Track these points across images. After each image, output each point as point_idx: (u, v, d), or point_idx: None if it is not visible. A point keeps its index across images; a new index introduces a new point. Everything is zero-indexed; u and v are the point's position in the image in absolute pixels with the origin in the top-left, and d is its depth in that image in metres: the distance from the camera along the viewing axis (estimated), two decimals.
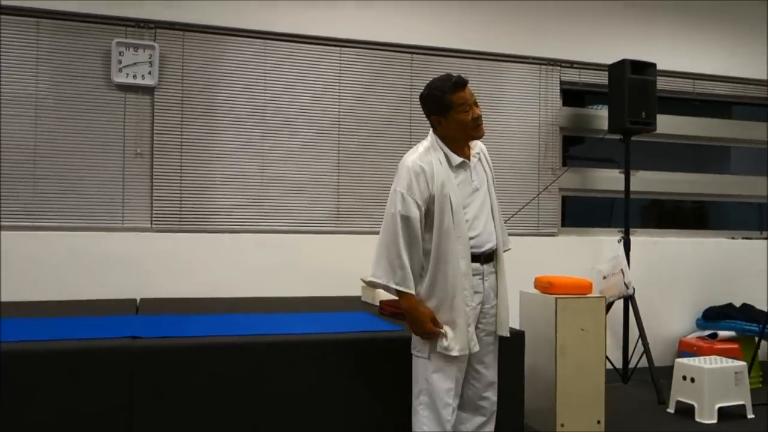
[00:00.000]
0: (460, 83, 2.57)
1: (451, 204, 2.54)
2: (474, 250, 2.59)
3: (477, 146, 2.74)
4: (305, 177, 4.49)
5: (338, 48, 4.56)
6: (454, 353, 2.52)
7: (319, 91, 4.54)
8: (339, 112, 4.57)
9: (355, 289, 4.17)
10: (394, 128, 4.66)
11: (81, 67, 4.08)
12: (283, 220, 4.43)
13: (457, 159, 2.62)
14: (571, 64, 5.07)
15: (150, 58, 4.12)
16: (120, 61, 4.08)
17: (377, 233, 4.38)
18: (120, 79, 4.09)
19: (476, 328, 2.63)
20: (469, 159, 2.66)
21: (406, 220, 2.52)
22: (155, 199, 4.20)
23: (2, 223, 3.93)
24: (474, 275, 2.59)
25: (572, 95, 5.21)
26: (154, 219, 4.19)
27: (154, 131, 4.20)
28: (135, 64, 4.11)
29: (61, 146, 4.05)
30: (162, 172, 4.21)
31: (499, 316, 2.71)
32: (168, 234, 4.19)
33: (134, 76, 4.11)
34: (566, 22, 5.04)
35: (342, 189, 4.56)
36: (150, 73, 4.12)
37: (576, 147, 5.35)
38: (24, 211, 3.98)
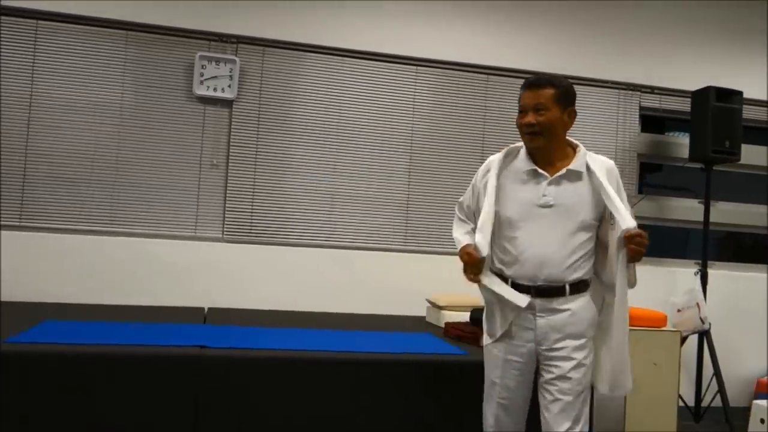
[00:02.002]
0: (526, 84, 2.36)
1: (499, 213, 2.35)
2: (519, 279, 2.32)
3: (580, 161, 2.34)
4: (375, 194, 4.50)
5: (414, 67, 4.57)
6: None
7: (393, 109, 4.56)
8: (412, 130, 4.57)
9: (420, 309, 4.13)
10: (467, 149, 4.63)
11: (165, 78, 4.22)
12: (351, 236, 4.45)
13: (527, 165, 2.36)
14: (651, 90, 4.93)
15: (231, 71, 4.22)
16: (202, 74, 4.19)
17: (445, 253, 4.38)
18: (201, 91, 4.20)
19: (543, 377, 2.36)
20: (548, 170, 2.33)
21: (460, 204, 2.60)
22: (228, 211, 4.28)
23: (83, 227, 4.09)
24: (537, 308, 2.32)
25: (652, 121, 5.06)
26: (225, 230, 4.27)
27: (231, 144, 4.29)
28: (216, 77, 4.22)
29: (142, 154, 4.19)
30: (236, 184, 4.30)
31: (600, 366, 2.35)
32: (238, 245, 4.27)
33: (215, 89, 4.22)
34: (647, 46, 4.91)
35: (411, 208, 4.55)
36: (230, 86, 4.23)
37: (653, 174, 5.18)
38: (102, 216, 4.13)
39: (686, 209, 5.02)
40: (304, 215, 4.39)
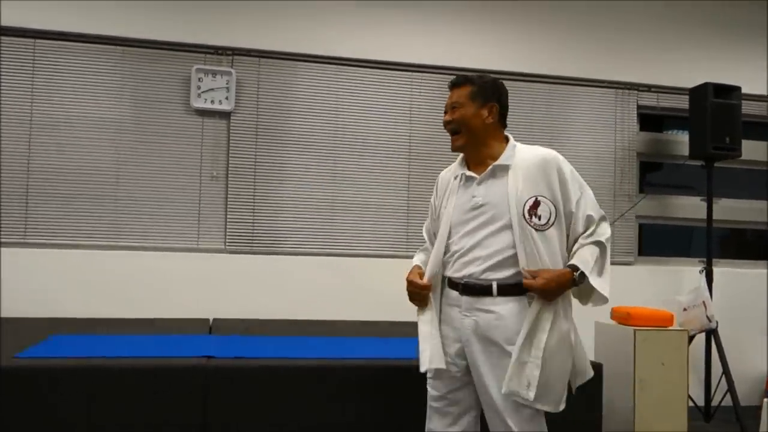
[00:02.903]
0: (448, 86, 2.36)
1: (445, 220, 2.30)
2: (451, 277, 2.26)
3: (507, 155, 2.24)
4: (375, 201, 4.49)
5: (410, 73, 4.58)
6: (421, 369, 2.28)
7: (390, 116, 4.56)
8: (410, 136, 4.57)
9: None
10: None
11: (162, 92, 4.23)
12: (352, 243, 4.44)
13: (459, 170, 2.34)
14: (648, 88, 4.93)
15: (227, 83, 4.23)
16: (199, 87, 4.20)
17: None
18: (198, 104, 4.21)
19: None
20: (479, 171, 2.28)
21: (426, 229, 2.55)
22: (229, 221, 4.28)
23: (86, 242, 4.09)
24: (452, 305, 2.26)
25: (650, 120, 5.06)
26: (227, 240, 4.26)
27: (230, 155, 4.29)
28: (213, 89, 4.22)
29: (142, 169, 4.19)
30: (236, 194, 4.30)
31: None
32: (241, 255, 4.26)
33: (212, 102, 4.22)
34: (642, 45, 4.92)
35: (411, 213, 4.54)
36: (227, 98, 4.23)
37: (654, 173, 5.17)
38: (105, 230, 4.12)
39: (689, 207, 5.00)
40: (304, 224, 4.38)
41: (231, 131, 4.30)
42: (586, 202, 2.21)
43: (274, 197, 4.35)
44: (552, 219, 2.16)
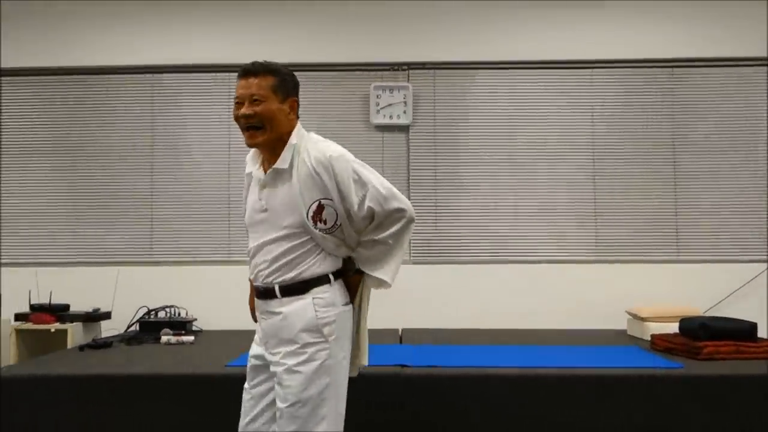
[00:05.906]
0: (241, 72, 2.13)
1: (245, 218, 2.24)
2: (249, 276, 2.25)
3: (285, 156, 2.12)
4: (560, 205, 4.36)
5: (589, 70, 4.40)
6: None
7: (571, 116, 4.41)
8: (593, 135, 4.39)
9: (616, 322, 3.92)
10: (654, 148, 4.36)
11: (343, 111, 4.42)
12: (538, 249, 4.33)
13: (251, 167, 2.23)
14: None
15: (404, 98, 4.33)
16: (377, 104, 4.34)
17: (639, 261, 4.18)
18: (378, 120, 4.34)
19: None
20: (266, 170, 2.16)
21: None
22: (413, 233, 4.34)
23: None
24: (260, 309, 2.22)
25: None
26: (412, 251, 4.34)
27: (410, 167, 4.38)
28: (391, 105, 4.34)
29: None
30: (418, 206, 4.34)
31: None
32: (425, 266, 4.32)
33: (390, 117, 4.34)
34: None
35: (599, 216, 4.34)
36: (405, 112, 4.33)
37: None
38: None
39: None
40: (487, 232, 4.35)
41: (410, 144, 4.39)
42: (371, 199, 2.13)
43: (455, 206, 4.37)
44: (338, 221, 2.14)
